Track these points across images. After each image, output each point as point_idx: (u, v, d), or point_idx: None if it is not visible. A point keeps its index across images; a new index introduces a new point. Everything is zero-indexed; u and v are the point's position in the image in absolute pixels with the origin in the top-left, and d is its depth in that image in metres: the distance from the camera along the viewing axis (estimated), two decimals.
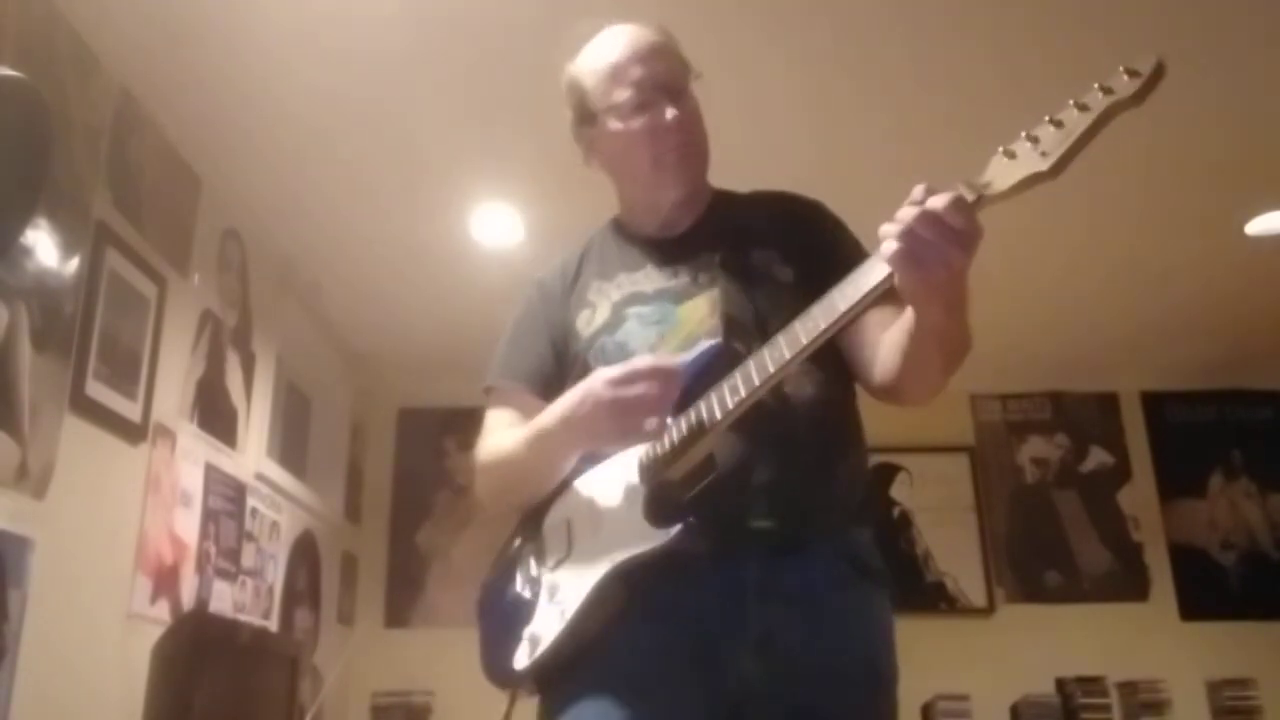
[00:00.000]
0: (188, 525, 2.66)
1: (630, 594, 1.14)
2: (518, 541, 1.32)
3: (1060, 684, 4.02)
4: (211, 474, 2.81)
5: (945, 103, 2.62)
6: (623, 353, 1.25)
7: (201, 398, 2.78)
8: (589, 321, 1.32)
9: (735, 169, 1.42)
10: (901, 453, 4.41)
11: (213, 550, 2.80)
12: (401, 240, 3.30)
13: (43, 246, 2.06)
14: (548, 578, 1.23)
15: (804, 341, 1.04)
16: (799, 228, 1.33)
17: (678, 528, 1.08)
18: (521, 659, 1.20)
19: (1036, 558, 4.37)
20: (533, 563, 1.27)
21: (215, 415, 2.87)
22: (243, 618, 2.97)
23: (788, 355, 1.05)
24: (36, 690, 1.94)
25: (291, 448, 3.82)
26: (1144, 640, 4.16)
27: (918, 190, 0.96)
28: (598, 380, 1.12)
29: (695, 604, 1.14)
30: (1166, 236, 3.32)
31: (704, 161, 1.37)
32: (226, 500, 2.91)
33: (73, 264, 2.16)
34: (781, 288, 1.25)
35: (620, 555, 1.12)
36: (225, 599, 2.87)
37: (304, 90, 2.51)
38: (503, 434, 1.33)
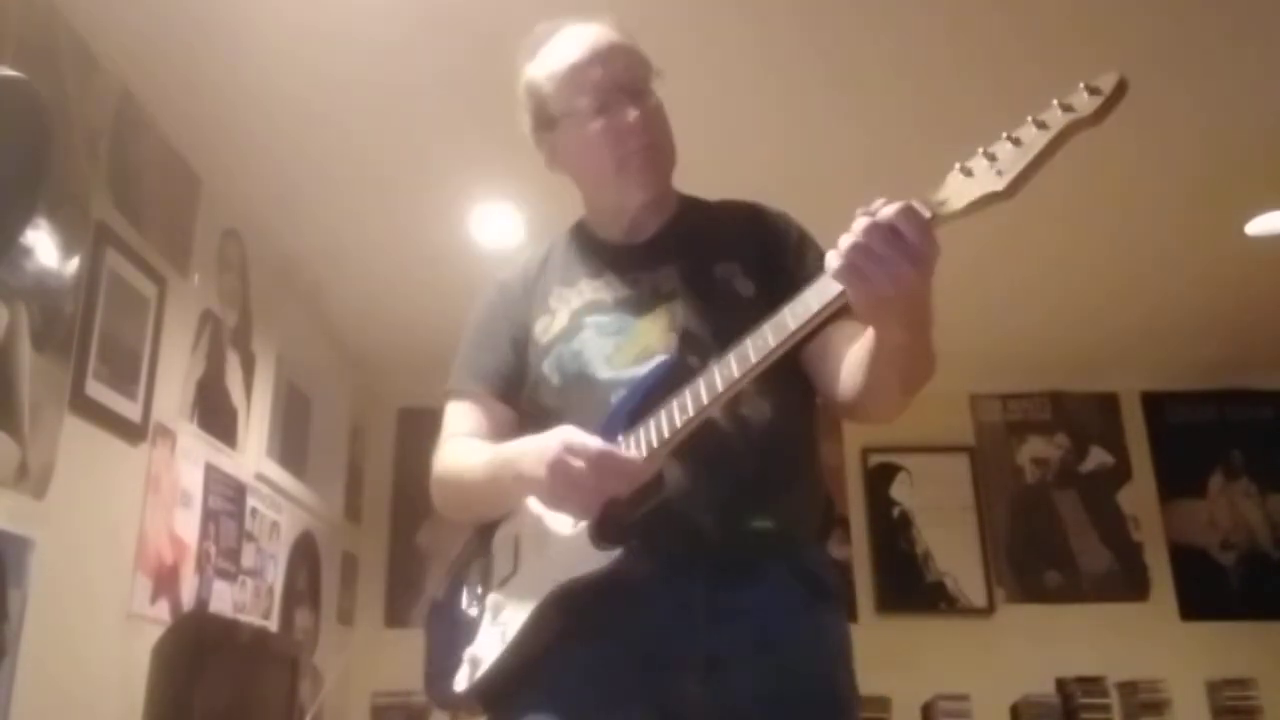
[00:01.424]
0: (188, 525, 2.66)
1: (572, 616, 1.12)
2: (466, 556, 1.31)
3: (1060, 684, 4.02)
4: (211, 474, 2.81)
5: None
6: (578, 362, 1.24)
7: (201, 398, 2.78)
8: (547, 328, 1.30)
9: (704, 171, 1.40)
10: (901, 453, 4.39)
11: (213, 550, 2.80)
12: (402, 240, 3.30)
13: (43, 246, 2.06)
14: (493, 596, 1.22)
15: (753, 360, 1.02)
16: (763, 240, 1.31)
17: (619, 551, 1.07)
18: (461, 681, 1.19)
19: (1036, 558, 4.36)
20: (479, 580, 1.26)
21: (215, 415, 2.87)
22: (243, 618, 2.97)
23: (737, 373, 1.03)
24: (36, 690, 1.94)
25: (291, 448, 3.82)
26: (1144, 640, 4.16)
27: (874, 205, 0.94)
28: (555, 441, 1.09)
29: (642, 623, 1.12)
30: (1167, 237, 3.32)
31: (669, 161, 1.33)
32: (226, 500, 2.91)
33: (73, 264, 2.16)
34: (742, 302, 1.23)
35: (563, 577, 1.11)
36: (225, 599, 2.87)
37: (304, 90, 2.51)
38: (463, 447, 1.30)
